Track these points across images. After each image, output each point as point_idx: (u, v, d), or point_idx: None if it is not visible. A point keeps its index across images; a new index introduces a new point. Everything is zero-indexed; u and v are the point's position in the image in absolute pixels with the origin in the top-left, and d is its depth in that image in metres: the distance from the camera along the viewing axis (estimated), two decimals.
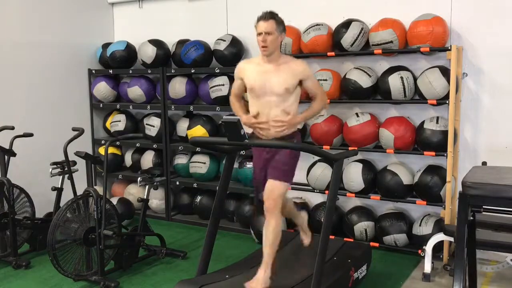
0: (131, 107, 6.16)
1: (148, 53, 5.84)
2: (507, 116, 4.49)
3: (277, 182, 3.49)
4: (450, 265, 4.29)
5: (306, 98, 4.00)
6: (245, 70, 3.65)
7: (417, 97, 4.71)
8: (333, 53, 4.92)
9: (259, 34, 3.48)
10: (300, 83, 3.56)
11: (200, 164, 5.70)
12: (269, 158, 3.60)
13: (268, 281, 3.42)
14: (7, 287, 4.23)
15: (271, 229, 3.46)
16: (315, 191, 5.13)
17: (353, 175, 4.86)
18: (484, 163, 3.69)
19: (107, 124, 6.34)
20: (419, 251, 4.48)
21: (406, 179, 4.70)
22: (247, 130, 3.37)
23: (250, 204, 5.39)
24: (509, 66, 4.44)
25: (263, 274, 3.43)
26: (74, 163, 4.77)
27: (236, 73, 3.72)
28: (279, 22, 3.52)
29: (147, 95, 6.00)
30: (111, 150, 6.16)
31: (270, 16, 3.49)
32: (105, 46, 6.28)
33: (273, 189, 3.48)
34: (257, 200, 3.74)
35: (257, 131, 3.60)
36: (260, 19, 3.50)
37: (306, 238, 4.12)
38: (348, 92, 4.87)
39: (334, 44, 4.94)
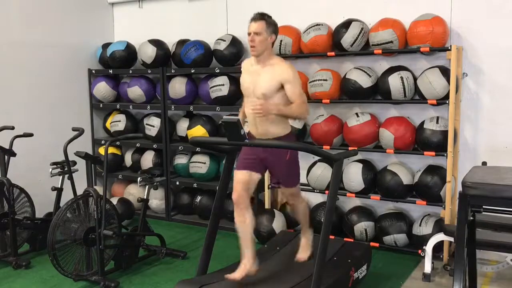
0: (131, 107, 6.16)
1: (148, 53, 5.84)
2: (507, 116, 4.50)
3: (290, 189, 3.80)
4: (450, 265, 4.29)
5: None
6: (243, 69, 3.77)
7: (417, 97, 4.71)
8: (333, 53, 4.92)
9: (249, 34, 3.53)
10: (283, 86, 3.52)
11: (200, 164, 5.70)
12: (264, 159, 3.64)
13: (312, 242, 3.93)
14: (7, 287, 4.23)
15: (302, 209, 3.94)
16: (315, 191, 5.13)
17: (353, 175, 4.86)
18: (484, 163, 3.69)
19: (107, 124, 6.34)
20: (419, 251, 4.48)
21: (406, 179, 4.70)
22: (246, 130, 3.40)
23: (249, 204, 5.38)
24: (509, 66, 4.44)
25: (306, 241, 3.96)
26: (74, 163, 4.77)
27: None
28: (270, 23, 3.54)
29: (147, 95, 6.00)
30: (111, 150, 6.16)
31: (260, 17, 3.53)
32: (105, 46, 6.28)
33: (289, 193, 3.84)
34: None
35: (251, 133, 3.67)
36: (251, 19, 3.56)
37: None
38: (348, 92, 4.87)
39: (334, 44, 4.94)
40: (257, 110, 3.34)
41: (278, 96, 3.51)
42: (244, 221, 3.60)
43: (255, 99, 3.54)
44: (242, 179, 3.61)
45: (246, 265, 3.57)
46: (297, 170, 3.80)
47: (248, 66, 3.71)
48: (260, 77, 3.54)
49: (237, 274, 3.52)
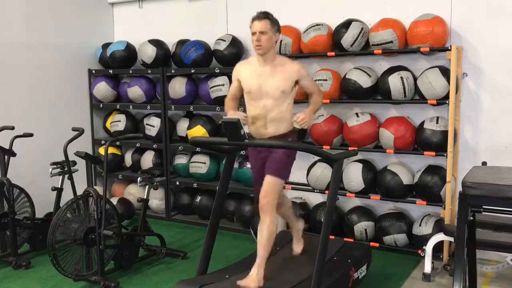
0: (131, 107, 6.16)
1: (148, 53, 5.84)
2: (507, 116, 4.50)
3: (272, 178, 3.50)
4: (450, 265, 4.29)
5: (305, 98, 4.01)
6: (241, 72, 3.69)
7: (417, 97, 4.71)
8: (333, 53, 4.92)
9: (254, 33, 3.50)
10: (295, 83, 3.60)
11: (200, 164, 5.70)
12: (265, 156, 3.62)
13: (262, 280, 3.43)
14: (7, 287, 4.23)
15: (265, 227, 3.46)
16: (315, 191, 5.13)
17: (353, 175, 4.86)
18: (484, 163, 3.69)
19: (107, 124, 6.34)
20: (419, 251, 4.48)
21: (406, 179, 4.70)
22: (246, 130, 3.39)
23: (250, 204, 5.39)
24: (509, 66, 4.44)
25: (256, 273, 3.44)
26: (74, 163, 4.77)
27: (233, 75, 3.76)
28: (274, 21, 3.54)
29: (147, 95, 6.00)
30: (111, 150, 6.16)
31: (265, 15, 3.51)
32: (105, 46, 6.28)
33: (268, 186, 3.50)
34: (256, 201, 3.72)
35: (251, 131, 3.64)
36: (254, 19, 3.53)
37: (298, 247, 4.04)
38: (348, 92, 4.87)
39: (334, 44, 4.94)
40: (304, 123, 3.48)
41: (292, 93, 3.60)
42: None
43: (270, 101, 3.51)
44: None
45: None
46: (288, 164, 3.63)
47: (249, 68, 3.64)
48: (274, 77, 3.52)
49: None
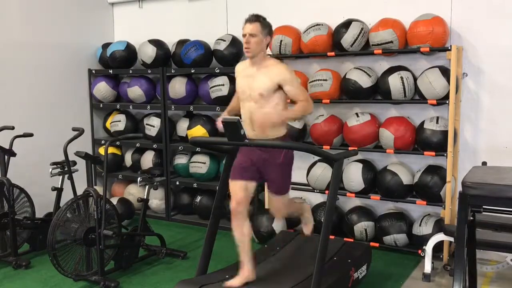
0: (131, 107, 6.16)
1: (148, 53, 5.84)
2: (507, 116, 4.50)
3: (280, 198, 3.70)
4: (450, 265, 4.29)
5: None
6: (237, 71, 3.73)
7: (417, 97, 4.71)
8: (333, 53, 4.92)
9: (244, 35, 3.51)
10: (280, 87, 3.48)
11: (200, 164, 5.70)
12: (258, 161, 3.58)
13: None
14: (7, 287, 4.23)
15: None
16: (315, 191, 5.13)
17: (353, 175, 4.86)
18: (484, 163, 3.69)
19: (107, 124, 6.34)
20: (419, 251, 4.48)
21: (406, 179, 4.70)
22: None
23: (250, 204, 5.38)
24: (509, 66, 4.44)
25: (307, 216, 4.07)
26: (74, 163, 4.77)
27: (235, 74, 3.79)
28: (265, 25, 3.52)
29: (147, 95, 6.00)
30: (111, 150, 6.16)
31: (256, 18, 3.51)
32: (105, 46, 6.28)
33: (277, 204, 3.75)
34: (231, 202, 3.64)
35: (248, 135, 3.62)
36: (246, 21, 3.54)
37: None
38: (348, 92, 4.87)
39: (334, 44, 4.94)
40: (265, 122, 3.44)
41: (276, 97, 3.47)
42: (242, 232, 3.57)
43: (252, 103, 3.50)
44: (239, 190, 3.56)
45: (245, 273, 3.54)
46: (289, 174, 3.68)
47: (242, 69, 3.67)
48: (256, 79, 3.49)
49: (237, 282, 3.49)
